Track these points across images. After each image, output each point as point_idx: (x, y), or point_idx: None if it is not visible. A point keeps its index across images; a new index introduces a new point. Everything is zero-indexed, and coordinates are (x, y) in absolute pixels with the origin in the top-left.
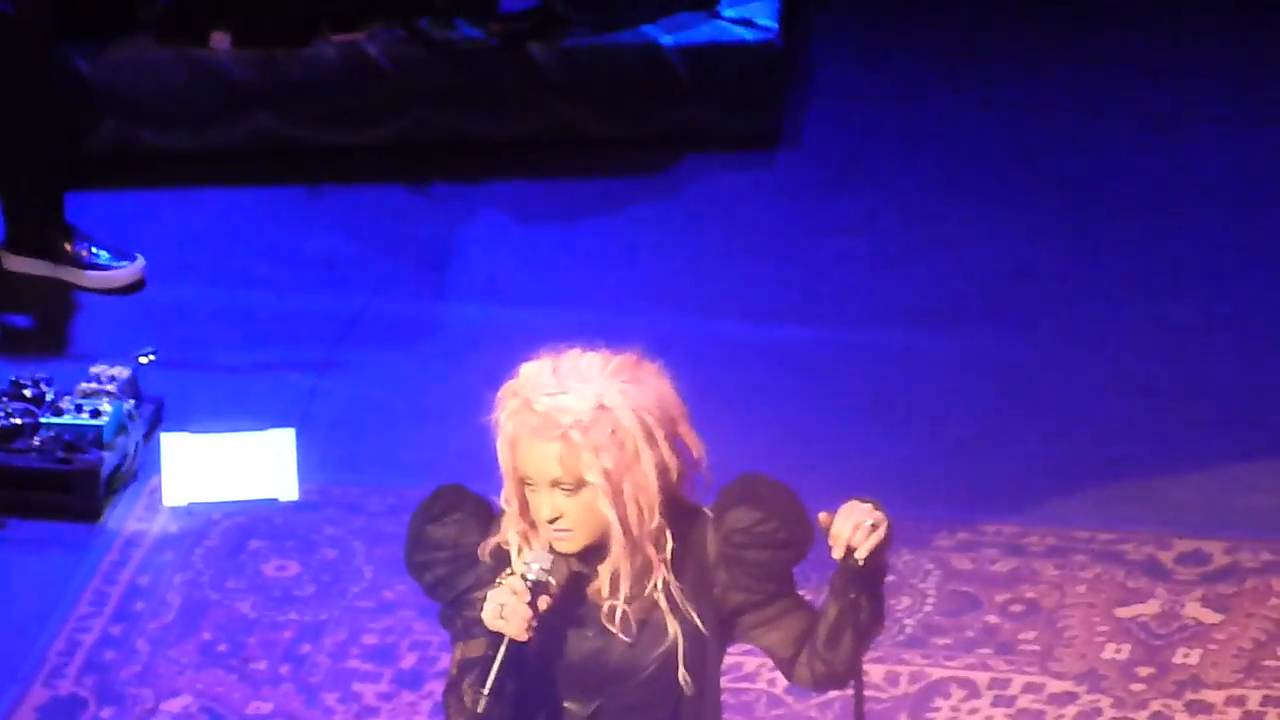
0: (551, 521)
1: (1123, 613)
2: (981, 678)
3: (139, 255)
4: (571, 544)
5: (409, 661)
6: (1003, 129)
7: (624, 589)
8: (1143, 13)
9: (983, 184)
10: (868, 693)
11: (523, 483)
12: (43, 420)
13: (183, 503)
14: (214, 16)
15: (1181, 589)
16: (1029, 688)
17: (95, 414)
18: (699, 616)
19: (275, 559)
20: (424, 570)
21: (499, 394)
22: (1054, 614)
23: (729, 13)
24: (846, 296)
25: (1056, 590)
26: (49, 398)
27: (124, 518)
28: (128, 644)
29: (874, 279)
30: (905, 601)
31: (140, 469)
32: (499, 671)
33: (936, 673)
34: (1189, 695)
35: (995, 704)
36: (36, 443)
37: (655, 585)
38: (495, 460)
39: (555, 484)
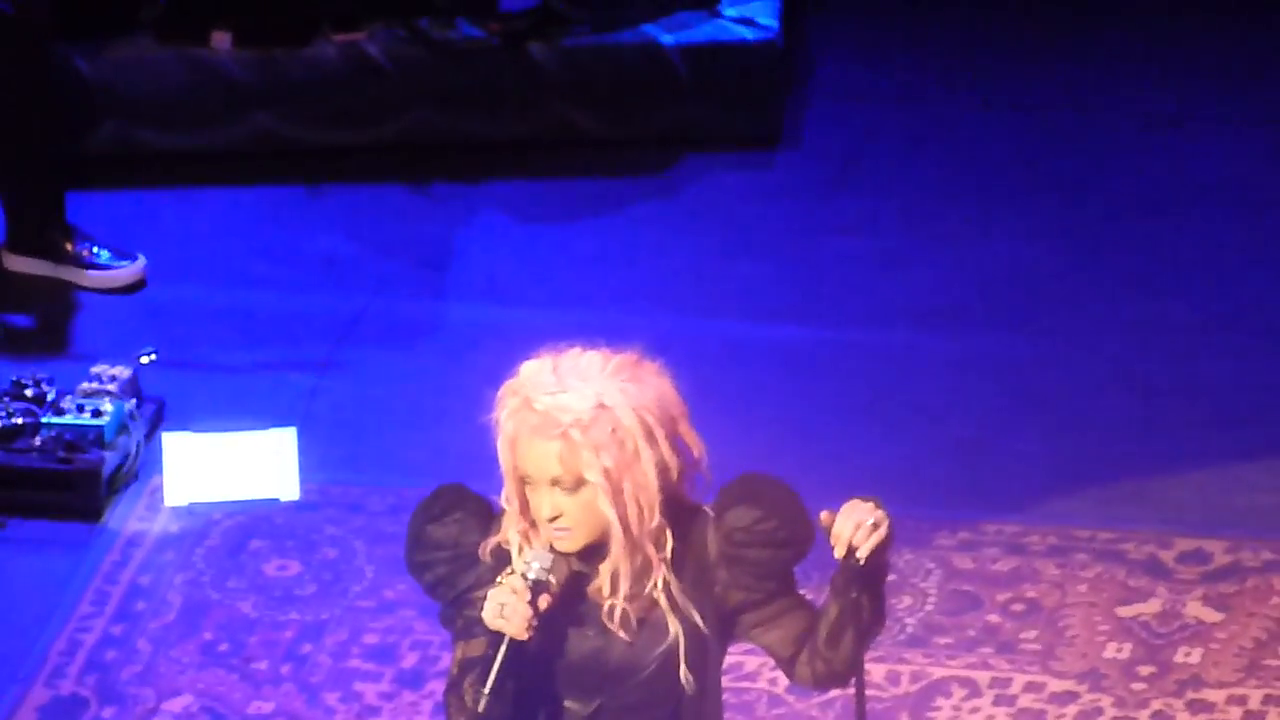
0: (551, 520)
1: (1124, 612)
2: (983, 677)
3: (140, 255)
4: (572, 543)
5: (410, 661)
6: (1003, 129)
7: (624, 588)
8: (1142, 13)
9: (983, 184)
10: (869, 692)
11: (523, 482)
12: (44, 420)
13: (184, 502)
14: (214, 16)
15: (1182, 588)
16: (1030, 687)
17: (96, 414)
18: (699, 615)
19: (276, 559)
20: (424, 570)
21: (499, 393)
22: (1055, 613)
23: (730, 12)
24: (846, 296)
25: (1057, 589)
26: (50, 397)
27: (125, 517)
28: (129, 644)
29: (874, 279)
30: (906, 600)
31: (141, 469)
32: (499, 671)
33: (937, 672)
34: (1190, 694)
35: (996, 703)
36: (37, 442)
37: (655, 584)
38: (495, 460)
39: (555, 483)
